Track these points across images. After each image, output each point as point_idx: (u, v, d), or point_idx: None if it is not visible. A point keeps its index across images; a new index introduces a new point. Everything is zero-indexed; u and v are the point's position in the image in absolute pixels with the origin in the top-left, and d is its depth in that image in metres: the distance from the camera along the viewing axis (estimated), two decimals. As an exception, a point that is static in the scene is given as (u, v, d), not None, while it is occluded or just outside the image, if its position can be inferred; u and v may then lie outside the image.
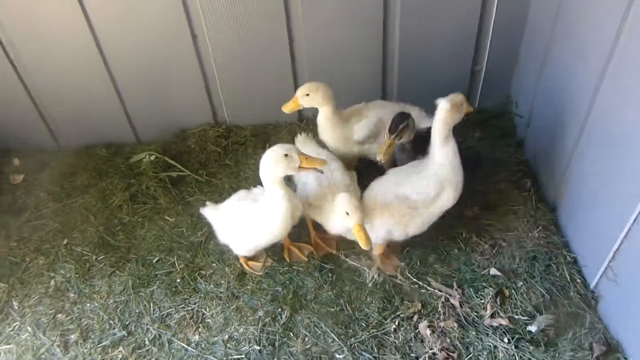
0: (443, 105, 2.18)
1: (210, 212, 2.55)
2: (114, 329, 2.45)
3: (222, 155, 3.22)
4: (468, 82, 3.16)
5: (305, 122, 3.31)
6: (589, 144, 2.32)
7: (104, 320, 2.48)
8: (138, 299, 2.55)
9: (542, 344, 2.19)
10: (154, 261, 2.71)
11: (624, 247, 2.10)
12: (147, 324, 2.45)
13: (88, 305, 2.55)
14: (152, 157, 3.13)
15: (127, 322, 2.47)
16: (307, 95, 2.48)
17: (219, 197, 2.97)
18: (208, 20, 2.83)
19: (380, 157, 2.38)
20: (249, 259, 2.62)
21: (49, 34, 2.86)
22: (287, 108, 2.55)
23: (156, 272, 2.66)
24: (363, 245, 2.12)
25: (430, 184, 2.27)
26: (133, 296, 2.56)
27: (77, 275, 2.67)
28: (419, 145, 2.42)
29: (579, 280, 2.41)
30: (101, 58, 2.96)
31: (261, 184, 2.29)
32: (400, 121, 2.35)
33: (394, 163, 2.57)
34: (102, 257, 2.75)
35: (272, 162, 2.13)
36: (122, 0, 2.75)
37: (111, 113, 3.23)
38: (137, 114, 3.27)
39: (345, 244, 2.62)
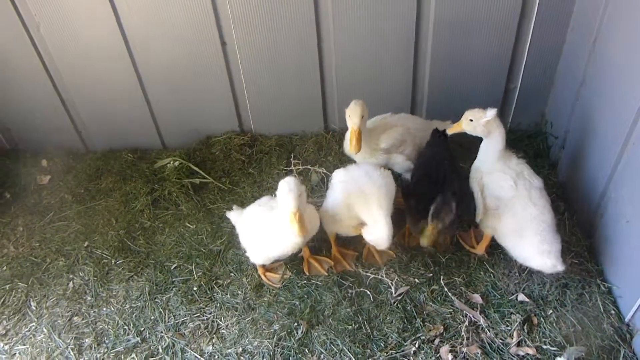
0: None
1: (235, 216, 2.56)
2: (128, 334, 2.41)
3: (246, 164, 3.19)
4: (501, 100, 3.07)
5: (331, 133, 3.26)
6: (627, 171, 2.20)
7: (118, 326, 2.45)
8: (154, 305, 2.52)
9: (571, 377, 2.07)
10: (172, 268, 2.68)
11: (664, 279, 1.98)
12: (161, 332, 2.41)
13: (104, 309, 2.53)
14: (177, 163, 3.12)
15: (142, 329, 2.44)
16: (363, 117, 2.43)
17: (241, 205, 2.92)
18: (238, 28, 2.83)
19: (424, 243, 2.28)
20: (267, 269, 2.57)
21: (81, 38, 2.90)
22: (355, 146, 2.46)
23: (173, 279, 2.62)
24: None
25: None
26: (149, 302, 2.53)
27: (95, 278, 2.66)
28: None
29: (613, 312, 2.27)
30: (131, 63, 3.00)
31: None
32: (441, 207, 2.20)
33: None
34: (121, 261, 2.73)
35: (280, 191, 2.13)
36: (153, 6, 2.77)
37: (139, 118, 3.25)
38: (164, 120, 3.28)
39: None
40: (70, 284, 2.65)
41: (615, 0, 2.29)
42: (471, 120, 2.35)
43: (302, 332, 2.32)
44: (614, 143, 2.28)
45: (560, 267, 2.14)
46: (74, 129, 3.32)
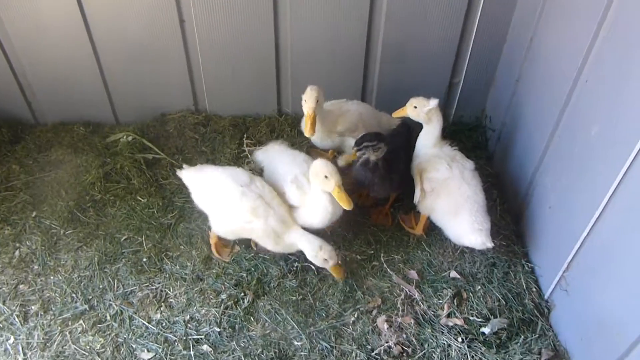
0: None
1: (192, 174, 2.58)
2: (76, 302, 2.45)
3: (200, 142, 3.25)
4: (445, 93, 3.27)
5: (284, 116, 3.37)
6: (552, 160, 2.43)
7: (66, 294, 2.48)
8: (103, 275, 2.56)
9: (494, 345, 2.27)
10: (122, 239, 2.72)
11: (577, 258, 2.20)
12: (109, 300, 2.46)
13: (52, 278, 2.55)
14: (130, 138, 3.15)
15: (90, 297, 2.48)
16: (318, 101, 2.55)
17: (193, 182, 3.01)
18: (197, 6, 2.87)
19: (341, 163, 2.54)
20: (221, 244, 2.64)
21: (37, 9, 2.87)
22: (309, 129, 2.58)
23: (123, 250, 2.67)
24: (347, 205, 2.27)
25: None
26: (98, 272, 2.57)
27: (43, 247, 2.66)
28: (393, 166, 2.55)
29: (534, 289, 2.50)
30: (87, 35, 2.98)
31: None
32: (371, 140, 2.44)
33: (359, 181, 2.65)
34: (70, 231, 2.75)
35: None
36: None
37: (93, 91, 3.24)
38: (119, 95, 3.28)
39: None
40: (17, 253, 2.64)
41: (551, 1, 2.51)
42: (415, 107, 2.53)
43: (248, 302, 2.43)
44: (542, 135, 2.50)
45: (489, 244, 2.34)
46: (24, 100, 3.26)
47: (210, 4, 2.87)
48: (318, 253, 2.32)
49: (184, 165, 2.64)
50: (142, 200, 2.91)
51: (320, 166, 2.28)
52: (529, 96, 2.71)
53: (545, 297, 2.47)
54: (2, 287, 2.50)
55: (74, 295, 2.48)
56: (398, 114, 2.64)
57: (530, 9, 2.70)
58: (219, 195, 2.45)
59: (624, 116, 1.89)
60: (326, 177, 2.26)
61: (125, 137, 3.14)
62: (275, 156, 2.72)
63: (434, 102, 2.51)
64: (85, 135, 3.29)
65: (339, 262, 2.42)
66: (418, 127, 2.68)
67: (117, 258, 2.64)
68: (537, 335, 2.32)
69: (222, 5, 2.88)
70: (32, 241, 2.69)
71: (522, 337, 2.31)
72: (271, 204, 2.40)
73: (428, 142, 2.56)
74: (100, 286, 2.52)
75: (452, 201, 2.44)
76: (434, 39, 3.00)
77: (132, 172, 3.03)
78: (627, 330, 1.85)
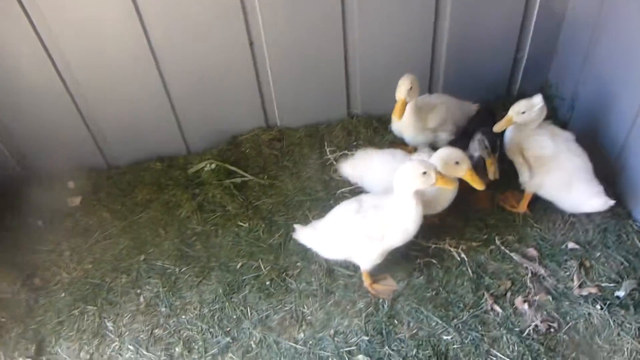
0: None
1: (309, 234, 2.53)
2: (216, 337, 2.48)
3: (279, 157, 3.27)
4: (510, 69, 3.33)
5: (356, 118, 3.40)
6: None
7: (203, 330, 2.51)
8: (232, 305, 2.59)
9: (631, 307, 2.36)
10: (238, 267, 2.74)
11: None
12: (248, 328, 2.49)
13: (183, 317, 2.57)
14: (213, 166, 3.15)
15: (228, 329, 2.51)
16: (411, 88, 2.58)
17: (285, 198, 3.04)
18: (267, 28, 2.88)
19: (494, 176, 2.55)
20: (373, 281, 2.60)
21: (100, 43, 2.81)
22: (397, 113, 2.62)
23: (243, 277, 2.69)
24: (480, 186, 2.33)
25: None
26: (227, 303, 2.59)
27: (164, 289, 2.67)
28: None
29: (648, 246, 2.61)
30: (156, 66, 2.94)
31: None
32: (494, 140, 2.51)
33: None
34: (184, 268, 2.76)
35: (410, 177, 2.22)
36: (177, 6, 2.75)
37: (163, 124, 3.22)
38: (188, 123, 3.27)
39: (430, 233, 2.74)
40: (141, 299, 2.65)
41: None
42: (523, 113, 2.54)
43: (388, 306, 2.48)
44: (632, 98, 2.58)
45: (611, 202, 2.44)
46: (95, 145, 3.24)
47: (280, 24, 2.89)
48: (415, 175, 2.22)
49: (295, 226, 2.57)
50: (244, 225, 2.93)
51: (449, 153, 2.32)
52: (607, 63, 2.78)
53: (661, 251, 2.57)
54: (139, 334, 2.52)
55: (211, 330, 2.51)
56: (502, 126, 2.59)
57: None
58: (346, 234, 2.41)
59: None
60: (457, 162, 2.31)
61: (208, 165, 3.15)
62: (369, 163, 2.74)
63: (538, 99, 2.52)
64: (164, 170, 3.28)
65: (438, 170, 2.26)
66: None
67: (240, 286, 2.67)
68: (667, 290, 2.43)
69: (290, 23, 2.89)
70: (151, 285, 2.71)
71: (654, 293, 2.42)
72: (379, 205, 2.40)
73: (531, 126, 2.60)
74: (234, 316, 2.55)
75: (565, 174, 2.52)
76: (498, 16, 3.05)
77: (224, 199, 3.04)
78: None
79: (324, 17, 2.92)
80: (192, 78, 3.06)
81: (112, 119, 3.14)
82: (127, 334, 2.53)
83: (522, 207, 2.80)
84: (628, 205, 2.77)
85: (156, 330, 2.53)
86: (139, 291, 2.69)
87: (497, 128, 2.58)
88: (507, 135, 2.72)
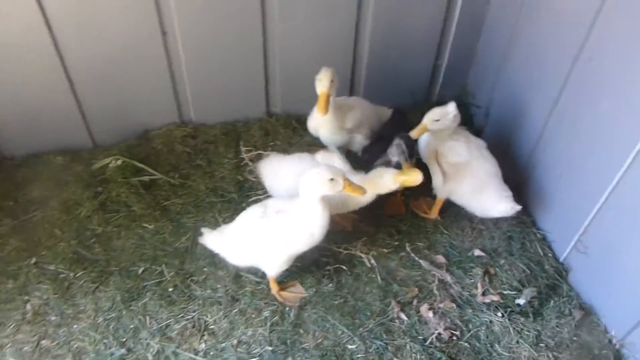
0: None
1: (216, 239, 2.41)
2: (110, 348, 2.31)
3: (193, 155, 3.11)
4: (430, 74, 3.34)
5: (275, 117, 3.30)
6: (557, 130, 2.58)
7: (96, 341, 2.33)
8: (130, 313, 2.43)
9: (530, 314, 2.43)
10: (140, 272, 2.58)
11: (595, 222, 2.39)
12: (146, 339, 2.34)
13: (75, 326, 2.37)
14: (119, 162, 2.96)
15: (124, 340, 2.34)
16: (332, 82, 2.50)
17: (196, 199, 2.90)
18: (181, 17, 2.72)
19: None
20: (281, 288, 2.51)
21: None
22: (322, 108, 2.52)
23: (145, 284, 2.53)
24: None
25: None
26: (124, 311, 2.42)
27: (56, 295, 2.47)
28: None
29: (550, 255, 2.68)
30: (53, 45, 2.68)
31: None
32: (411, 145, 2.49)
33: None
34: (80, 273, 2.56)
35: (317, 183, 2.13)
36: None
37: (63, 113, 2.95)
38: (94, 115, 3.04)
39: (342, 238, 2.71)
40: (28, 306, 2.43)
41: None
42: (437, 120, 2.53)
43: (294, 315, 2.41)
44: (542, 107, 2.64)
45: (517, 207, 2.49)
46: (-14, 134, 2.95)
47: (194, 13, 2.73)
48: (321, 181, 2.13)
49: (203, 230, 2.44)
50: (149, 226, 2.76)
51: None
52: (520, 72, 2.84)
53: (561, 260, 2.66)
54: (24, 346, 2.30)
55: (105, 341, 2.33)
56: (418, 133, 2.57)
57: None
58: (251, 240, 2.32)
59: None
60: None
61: (113, 161, 2.94)
62: (279, 168, 2.65)
63: (452, 107, 2.52)
64: (65, 164, 3.03)
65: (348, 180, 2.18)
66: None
67: (140, 293, 2.51)
68: (564, 298, 2.50)
69: (206, 13, 2.74)
70: (41, 291, 2.49)
71: (552, 302, 2.49)
72: (284, 210, 2.32)
73: (447, 132, 2.61)
74: (131, 326, 2.39)
75: (477, 181, 2.56)
76: (419, 21, 3.05)
77: (130, 198, 2.85)
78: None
79: (241, 7, 2.80)
80: (97, 64, 2.83)
81: (6, 103, 2.85)
82: (9, 345, 2.30)
83: (434, 213, 2.82)
84: (533, 214, 2.85)
85: (43, 342, 2.33)
86: (26, 298, 2.46)
87: (413, 135, 2.58)
88: (423, 142, 2.72)
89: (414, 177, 2.31)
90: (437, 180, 2.65)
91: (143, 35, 2.77)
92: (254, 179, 2.98)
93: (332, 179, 2.12)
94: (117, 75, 2.90)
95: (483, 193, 2.56)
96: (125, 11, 2.66)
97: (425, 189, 2.73)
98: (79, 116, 2.99)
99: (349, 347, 2.33)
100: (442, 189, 2.66)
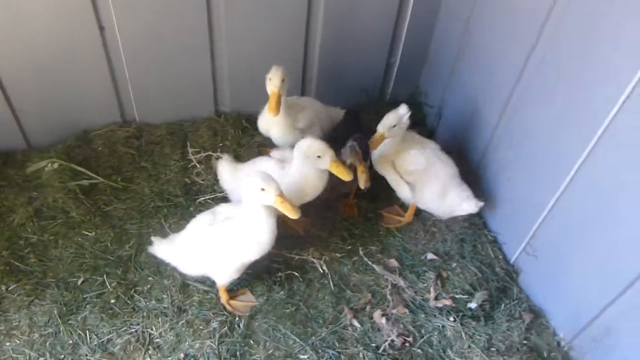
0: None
1: (166, 248, 2.30)
2: (46, 366, 2.17)
3: (137, 157, 2.96)
4: (382, 74, 3.29)
5: (224, 117, 3.17)
6: (508, 133, 2.58)
7: (32, 359, 2.18)
8: (69, 328, 2.28)
9: (482, 318, 2.43)
10: (79, 283, 2.43)
11: (544, 226, 2.41)
12: (86, 355, 2.21)
13: (7, 344, 2.21)
14: (55, 165, 2.77)
15: (62, 356, 2.20)
16: (283, 81, 2.43)
17: (140, 203, 2.76)
18: (119, 11, 2.55)
19: (365, 184, 2.41)
20: (230, 297, 2.41)
21: None
22: (274, 108, 2.44)
23: (84, 296, 2.39)
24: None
25: None
26: (62, 326, 2.28)
27: (-16, 311, 2.30)
28: None
29: (500, 257, 2.70)
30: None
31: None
32: (363, 144, 2.42)
33: None
34: (13, 286, 2.39)
35: (249, 191, 2.05)
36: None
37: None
38: (28, 114, 2.83)
39: (294, 243, 2.64)
40: (-47, 324, 2.26)
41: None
42: (394, 126, 2.47)
43: (243, 325, 2.33)
44: (494, 110, 2.64)
45: (481, 203, 2.53)
46: None
47: (133, 6, 2.56)
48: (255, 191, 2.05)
49: (153, 239, 2.32)
50: (90, 234, 2.61)
51: (309, 145, 2.20)
52: (472, 71, 2.83)
53: (512, 262, 2.68)
54: (-52, 368, 2.14)
55: (41, 359, 2.19)
56: (376, 144, 2.49)
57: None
58: (201, 248, 2.23)
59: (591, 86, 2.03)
60: (319, 156, 2.20)
61: (50, 164, 2.75)
62: (237, 171, 2.55)
63: (404, 109, 2.48)
64: (-5, 168, 2.83)
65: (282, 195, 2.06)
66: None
67: (79, 306, 2.36)
68: (515, 301, 2.52)
69: (147, 6, 2.58)
70: (-32, 306, 2.31)
71: (503, 305, 2.50)
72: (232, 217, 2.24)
73: (398, 140, 2.56)
74: (70, 342, 2.24)
75: (440, 184, 2.56)
76: (371, 18, 2.98)
77: (67, 203, 2.68)
78: (606, 287, 2.08)
79: (185, 1, 2.65)
80: (27, 58, 2.63)
81: None
82: None
83: (409, 216, 2.80)
84: (484, 216, 2.86)
85: (-29, 362, 2.17)
86: (-49, 315, 2.28)
87: (372, 147, 2.51)
88: (375, 152, 2.65)
89: (344, 176, 2.26)
90: (403, 192, 2.62)
91: (78, 30, 2.59)
92: (202, 182, 2.86)
93: (262, 189, 2.03)
94: (50, 72, 2.70)
95: (447, 196, 2.57)
96: (57, 3, 2.46)
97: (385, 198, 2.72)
98: (9, 115, 2.78)
99: (301, 357, 2.27)
100: (412, 198, 2.63)
